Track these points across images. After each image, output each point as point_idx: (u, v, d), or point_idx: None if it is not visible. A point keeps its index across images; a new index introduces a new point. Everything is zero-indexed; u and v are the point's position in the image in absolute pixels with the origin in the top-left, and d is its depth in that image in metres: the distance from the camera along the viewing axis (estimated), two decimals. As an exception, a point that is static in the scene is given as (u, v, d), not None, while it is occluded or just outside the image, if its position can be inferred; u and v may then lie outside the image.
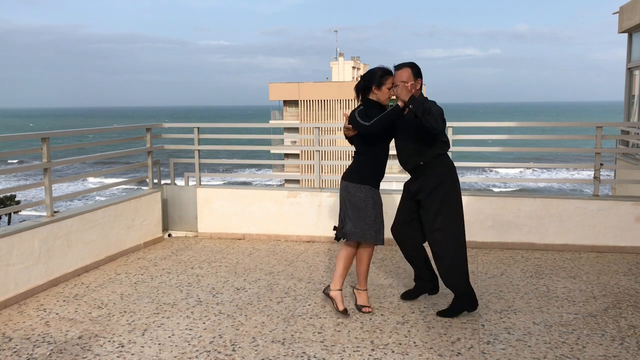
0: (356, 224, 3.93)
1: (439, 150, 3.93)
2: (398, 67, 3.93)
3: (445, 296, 4.39)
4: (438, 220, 3.92)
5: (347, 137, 4.08)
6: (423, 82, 3.95)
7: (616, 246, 5.65)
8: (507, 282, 4.75)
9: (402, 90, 3.75)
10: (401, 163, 4.05)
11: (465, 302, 4.02)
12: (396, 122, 3.88)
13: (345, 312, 4.00)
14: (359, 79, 4.03)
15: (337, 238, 4.08)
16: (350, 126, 3.94)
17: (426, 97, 3.90)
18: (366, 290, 4.15)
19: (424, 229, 4.05)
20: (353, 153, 4.08)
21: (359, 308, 4.09)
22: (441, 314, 4.02)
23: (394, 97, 3.86)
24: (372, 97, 3.95)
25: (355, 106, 4.07)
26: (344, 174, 4.06)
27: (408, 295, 4.37)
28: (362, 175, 3.96)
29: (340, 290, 4.08)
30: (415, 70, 3.90)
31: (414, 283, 4.37)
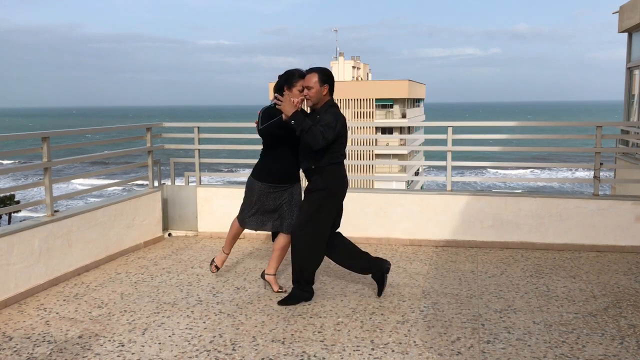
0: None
1: (333, 159, 4.12)
2: (308, 71, 4.12)
3: (445, 295, 4.40)
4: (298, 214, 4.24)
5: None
6: (332, 88, 4.15)
7: (616, 245, 5.65)
8: (507, 282, 4.75)
9: (285, 104, 3.95)
10: (299, 163, 4.27)
11: (300, 292, 4.29)
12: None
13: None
14: (278, 78, 4.25)
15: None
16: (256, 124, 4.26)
17: (334, 104, 4.15)
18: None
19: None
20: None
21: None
22: (281, 302, 4.26)
23: (277, 102, 4.03)
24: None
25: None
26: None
27: (379, 290, 4.43)
28: (263, 173, 4.30)
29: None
30: (323, 77, 4.07)
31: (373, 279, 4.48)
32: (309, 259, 4.23)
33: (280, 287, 4.51)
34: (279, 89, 4.18)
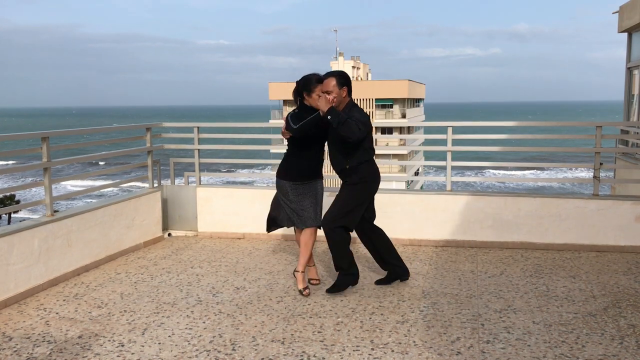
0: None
1: (365, 157, 4.32)
2: (325, 75, 4.29)
3: (445, 295, 4.40)
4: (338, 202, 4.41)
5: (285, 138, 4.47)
6: (350, 89, 4.32)
7: (616, 245, 5.65)
8: (506, 282, 4.75)
9: (321, 101, 4.13)
10: (332, 166, 4.48)
11: (344, 278, 4.50)
12: (328, 129, 4.25)
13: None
14: (295, 84, 4.38)
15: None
16: (286, 130, 4.33)
17: (355, 104, 4.32)
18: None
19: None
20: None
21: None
22: (330, 290, 4.47)
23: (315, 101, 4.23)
24: (305, 102, 4.33)
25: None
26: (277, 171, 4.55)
27: (382, 281, 4.69)
28: (288, 172, 4.43)
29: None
30: (341, 80, 4.24)
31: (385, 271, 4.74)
32: (343, 251, 4.43)
33: (306, 287, 4.49)
34: (298, 94, 4.36)
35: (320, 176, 4.54)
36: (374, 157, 4.48)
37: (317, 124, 4.22)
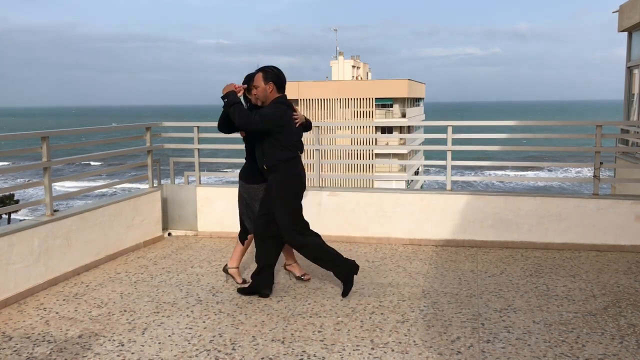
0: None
1: (282, 156, 4.24)
2: (256, 71, 4.31)
3: (445, 294, 4.40)
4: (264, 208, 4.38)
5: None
6: (280, 85, 4.27)
7: (616, 245, 5.65)
8: (506, 281, 4.75)
9: (225, 87, 4.23)
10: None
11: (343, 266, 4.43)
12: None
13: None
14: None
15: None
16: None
17: (284, 102, 4.28)
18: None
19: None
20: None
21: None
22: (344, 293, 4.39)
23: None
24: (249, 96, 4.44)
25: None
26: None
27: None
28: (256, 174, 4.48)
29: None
30: (266, 75, 4.25)
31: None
32: (312, 245, 4.38)
33: (244, 280, 4.65)
34: (248, 91, 4.44)
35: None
36: (298, 157, 4.36)
37: (225, 111, 4.27)
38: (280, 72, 4.32)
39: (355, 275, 4.46)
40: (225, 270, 4.83)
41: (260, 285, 4.38)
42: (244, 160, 4.52)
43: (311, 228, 4.46)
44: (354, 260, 4.52)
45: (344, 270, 4.43)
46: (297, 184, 4.33)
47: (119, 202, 5.68)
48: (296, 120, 4.38)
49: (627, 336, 3.60)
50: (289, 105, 4.37)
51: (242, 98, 4.33)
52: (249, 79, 4.36)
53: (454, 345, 3.49)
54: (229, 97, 4.18)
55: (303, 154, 4.47)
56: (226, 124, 4.41)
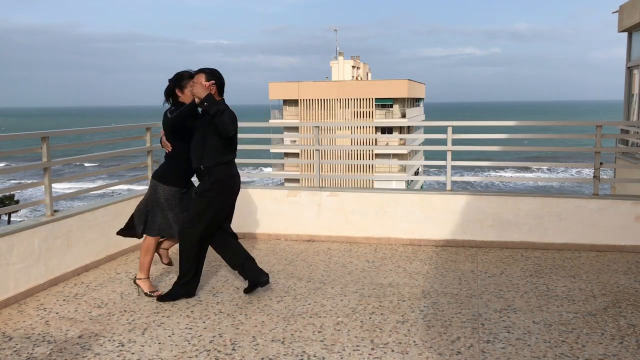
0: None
1: (221, 158, 4.15)
2: (196, 72, 4.18)
3: (445, 295, 4.40)
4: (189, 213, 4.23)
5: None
6: (221, 88, 4.17)
7: (616, 245, 5.65)
8: (506, 281, 4.75)
9: (197, 87, 3.98)
10: (192, 163, 4.26)
11: (181, 288, 4.34)
12: (196, 123, 4.14)
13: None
14: (168, 82, 4.29)
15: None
16: (168, 143, 4.26)
17: (223, 102, 4.12)
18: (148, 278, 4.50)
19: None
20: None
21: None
22: (160, 298, 4.31)
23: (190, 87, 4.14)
24: (179, 99, 4.24)
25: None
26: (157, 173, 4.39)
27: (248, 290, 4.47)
28: (174, 176, 4.30)
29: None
30: (209, 77, 4.12)
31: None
32: (190, 256, 4.28)
33: (155, 288, 4.49)
34: (170, 92, 4.28)
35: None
36: (233, 161, 4.31)
37: (190, 113, 4.08)
38: (220, 74, 4.24)
39: (185, 297, 4.34)
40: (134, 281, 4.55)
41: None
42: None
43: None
44: (192, 289, 4.41)
45: (179, 282, 4.37)
46: (231, 187, 4.26)
47: (119, 202, 5.68)
48: None
49: (627, 336, 3.60)
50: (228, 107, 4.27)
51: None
52: (180, 78, 4.22)
53: (454, 345, 3.49)
54: (211, 101, 3.95)
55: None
56: (181, 124, 4.14)
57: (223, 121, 3.93)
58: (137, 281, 4.47)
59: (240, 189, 4.34)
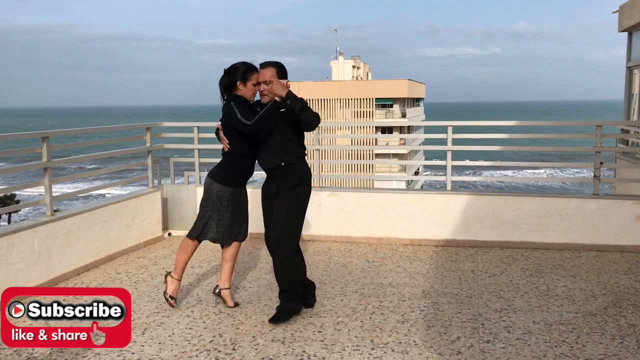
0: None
1: (301, 153, 3.94)
2: (263, 65, 3.90)
3: (445, 294, 4.40)
4: (282, 215, 3.89)
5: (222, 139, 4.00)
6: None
7: (616, 245, 5.65)
8: (507, 281, 4.75)
9: (277, 86, 3.68)
10: (260, 161, 3.99)
11: (290, 301, 3.94)
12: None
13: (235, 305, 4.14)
14: (223, 73, 3.92)
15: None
16: (226, 140, 3.90)
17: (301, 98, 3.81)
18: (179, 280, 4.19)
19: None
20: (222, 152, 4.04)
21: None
22: (273, 320, 3.87)
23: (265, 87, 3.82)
24: (238, 93, 3.89)
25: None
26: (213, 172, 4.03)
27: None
28: (232, 176, 3.98)
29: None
30: (280, 70, 3.86)
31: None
32: (294, 268, 3.95)
33: (237, 303, 4.22)
34: (230, 85, 3.89)
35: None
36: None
37: (275, 113, 3.74)
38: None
39: (296, 315, 3.97)
40: (217, 293, 4.21)
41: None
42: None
43: (305, 230, 4.22)
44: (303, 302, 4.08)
45: (290, 296, 3.98)
46: (310, 185, 4.01)
47: (119, 202, 5.69)
48: None
49: (627, 336, 3.60)
50: None
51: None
52: (244, 71, 3.86)
53: (454, 345, 3.49)
54: (294, 99, 3.65)
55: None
56: (264, 126, 3.77)
57: (308, 117, 3.70)
58: (167, 277, 4.15)
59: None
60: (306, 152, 4.05)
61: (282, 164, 3.87)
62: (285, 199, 3.90)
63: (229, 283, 4.18)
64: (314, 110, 3.77)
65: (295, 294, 3.98)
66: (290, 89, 3.75)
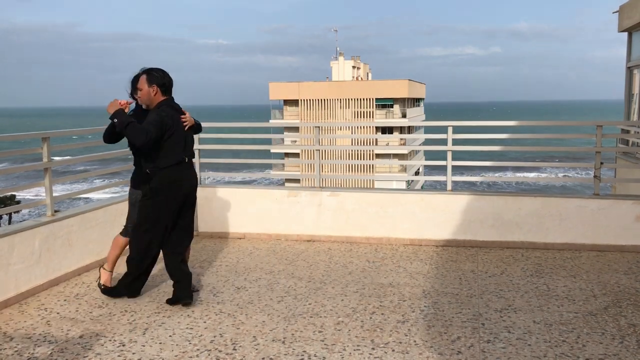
0: None
1: (163, 163, 4.12)
2: (140, 72, 4.20)
3: (445, 294, 4.40)
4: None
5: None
6: (165, 88, 4.16)
7: (616, 245, 5.65)
8: (507, 281, 4.75)
9: (109, 105, 4.07)
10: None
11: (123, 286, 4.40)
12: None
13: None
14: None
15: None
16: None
17: (169, 104, 4.15)
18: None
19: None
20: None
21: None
22: (104, 291, 4.48)
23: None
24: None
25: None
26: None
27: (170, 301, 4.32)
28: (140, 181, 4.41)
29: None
30: (150, 77, 4.13)
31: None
32: (135, 257, 4.29)
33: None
34: (133, 93, 4.36)
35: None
36: (181, 163, 4.21)
37: (114, 128, 4.19)
38: (166, 74, 4.18)
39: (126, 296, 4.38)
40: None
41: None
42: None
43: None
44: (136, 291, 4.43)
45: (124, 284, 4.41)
46: (173, 191, 4.16)
47: (119, 203, 5.68)
48: (185, 124, 4.22)
49: (627, 336, 3.61)
50: (177, 109, 4.22)
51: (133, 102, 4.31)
52: (135, 81, 4.25)
53: (454, 345, 3.49)
54: (119, 117, 4.00)
55: (194, 158, 4.46)
56: (110, 138, 4.35)
57: (127, 134, 3.98)
58: (101, 269, 4.58)
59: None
60: (169, 163, 4.14)
61: (147, 170, 4.20)
62: (139, 206, 4.31)
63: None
64: (146, 129, 3.94)
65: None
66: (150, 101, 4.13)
